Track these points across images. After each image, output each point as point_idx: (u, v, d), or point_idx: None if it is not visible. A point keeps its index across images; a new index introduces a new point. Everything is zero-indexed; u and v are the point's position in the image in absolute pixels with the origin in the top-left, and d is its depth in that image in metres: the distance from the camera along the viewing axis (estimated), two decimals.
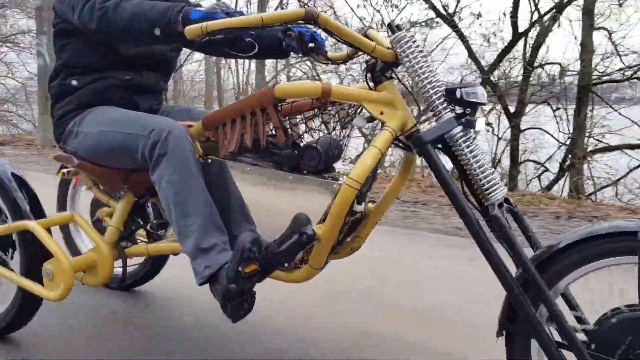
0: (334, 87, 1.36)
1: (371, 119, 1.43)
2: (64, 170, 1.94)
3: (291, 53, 1.71)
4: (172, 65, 1.90)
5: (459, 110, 1.35)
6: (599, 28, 8.28)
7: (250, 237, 1.39)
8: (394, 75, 1.46)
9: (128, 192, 1.81)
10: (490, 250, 1.27)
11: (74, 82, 1.72)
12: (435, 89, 1.35)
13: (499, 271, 1.26)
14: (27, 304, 1.77)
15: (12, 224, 1.68)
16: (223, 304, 1.44)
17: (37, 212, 1.75)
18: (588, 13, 8.02)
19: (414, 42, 1.36)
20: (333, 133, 1.52)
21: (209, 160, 1.59)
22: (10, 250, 1.82)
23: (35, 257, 1.71)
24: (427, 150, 1.33)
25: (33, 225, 1.64)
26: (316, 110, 1.45)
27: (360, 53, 1.64)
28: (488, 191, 1.33)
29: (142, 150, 1.55)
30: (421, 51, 1.36)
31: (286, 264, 1.45)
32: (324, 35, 1.61)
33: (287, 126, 1.44)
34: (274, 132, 1.50)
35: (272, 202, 1.53)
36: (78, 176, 1.97)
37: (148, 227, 1.81)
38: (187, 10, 1.43)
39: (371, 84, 1.45)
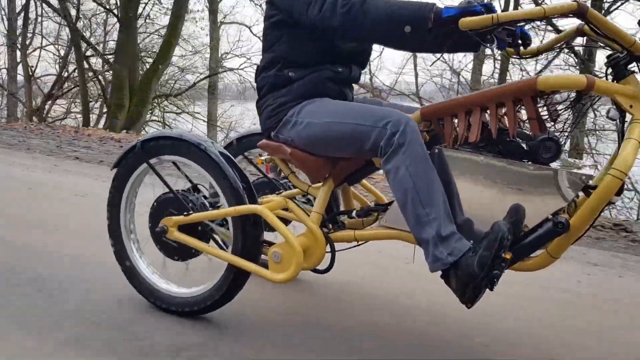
0: (597, 81, 1.40)
1: (620, 111, 1.47)
2: (262, 158, 2.01)
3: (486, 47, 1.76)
4: (367, 60, 1.96)
5: None
6: None
7: (506, 227, 1.43)
8: (636, 70, 1.49)
9: (329, 180, 1.87)
10: None
11: (291, 74, 1.78)
12: None
13: None
14: (234, 284, 1.84)
15: (240, 207, 1.74)
16: (463, 289, 1.50)
17: (251, 195, 1.82)
18: None
19: None
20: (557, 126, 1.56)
21: (436, 150, 1.64)
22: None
23: (254, 240, 1.78)
24: None
25: (262, 209, 1.71)
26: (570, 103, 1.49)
27: (557, 46, 1.68)
28: None
29: (376, 140, 1.60)
30: None
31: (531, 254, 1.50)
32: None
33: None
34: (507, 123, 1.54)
35: (486, 193, 1.59)
36: (269, 165, 2.04)
37: (354, 214, 1.86)
38: (438, 8, 1.49)
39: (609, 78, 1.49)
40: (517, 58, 1.73)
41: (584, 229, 1.45)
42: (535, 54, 1.70)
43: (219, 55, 16.03)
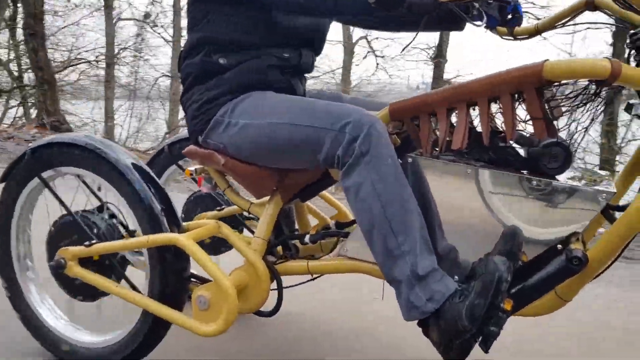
0: (625, 67, 1.04)
1: None
2: (191, 169, 1.60)
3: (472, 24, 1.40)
4: (324, 42, 1.56)
5: None
6: None
7: (504, 264, 1.07)
8: None
9: (276, 196, 1.47)
10: None
11: (222, 61, 1.38)
12: None
13: None
14: (153, 334, 1.43)
15: (154, 237, 1.32)
16: (447, 344, 1.13)
17: (173, 219, 1.40)
18: None
19: None
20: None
21: (410, 160, 1.26)
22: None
23: (177, 278, 1.37)
24: None
25: (184, 240, 1.29)
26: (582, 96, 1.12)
27: (561, 24, 1.33)
28: None
29: (331, 148, 1.22)
30: None
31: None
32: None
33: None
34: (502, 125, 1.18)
35: (473, 213, 1.23)
36: (201, 177, 1.63)
37: (307, 239, 1.47)
38: None
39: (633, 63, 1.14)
40: (511, 39, 1.37)
41: (605, 264, 1.10)
42: (534, 33, 1.35)
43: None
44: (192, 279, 1.47)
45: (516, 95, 1.10)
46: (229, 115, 1.36)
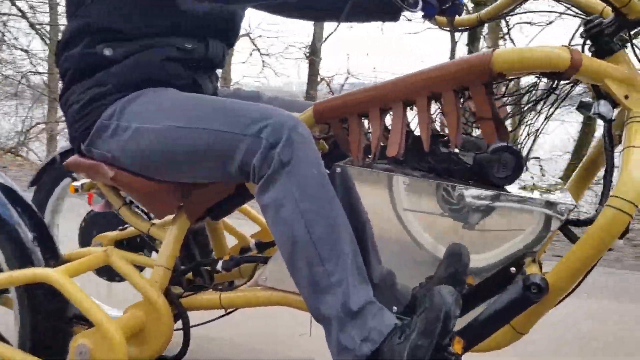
0: (585, 58, 0.88)
1: (613, 103, 0.96)
2: (76, 184, 1.32)
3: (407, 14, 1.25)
4: (237, 32, 1.33)
5: None
6: None
7: (451, 296, 0.88)
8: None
9: (181, 216, 1.23)
10: None
11: (107, 52, 1.12)
12: None
13: None
14: None
15: (18, 273, 1.04)
16: None
17: (51, 251, 1.13)
18: None
19: None
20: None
21: (338, 170, 1.05)
22: None
23: (51, 322, 1.09)
24: None
25: (55, 275, 1.02)
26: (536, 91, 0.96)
27: (506, 12, 1.20)
28: None
29: (244, 157, 0.99)
30: None
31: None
32: None
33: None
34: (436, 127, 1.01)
35: (412, 231, 1.05)
36: (92, 192, 1.35)
37: (219, 267, 1.23)
38: None
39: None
40: (451, 30, 1.21)
41: (568, 289, 0.93)
42: (476, 23, 1.19)
43: None
44: (78, 322, 1.20)
45: (461, 91, 0.92)
46: (117, 118, 1.11)
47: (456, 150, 1.00)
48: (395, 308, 1.03)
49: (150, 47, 1.13)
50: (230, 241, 1.51)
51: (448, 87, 0.92)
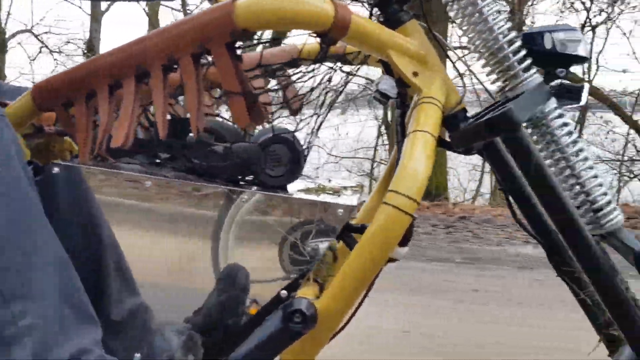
0: (356, 17, 0.69)
1: (400, 83, 0.78)
2: None
3: None
4: None
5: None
6: None
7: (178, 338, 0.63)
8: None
9: None
10: None
11: None
12: (506, 34, 0.77)
13: None
14: None
15: None
16: None
17: None
18: None
19: None
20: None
21: (56, 169, 0.77)
22: None
23: None
24: (521, 138, 0.74)
25: None
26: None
27: None
28: (601, 211, 0.77)
29: None
30: None
31: None
32: None
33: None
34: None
35: (167, 247, 0.81)
36: None
37: None
38: None
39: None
40: None
41: (346, 312, 0.73)
42: None
43: None
44: None
45: (201, 56, 0.69)
46: None
47: (208, 138, 0.76)
48: (137, 355, 0.76)
49: None
50: None
51: (186, 50, 0.68)
